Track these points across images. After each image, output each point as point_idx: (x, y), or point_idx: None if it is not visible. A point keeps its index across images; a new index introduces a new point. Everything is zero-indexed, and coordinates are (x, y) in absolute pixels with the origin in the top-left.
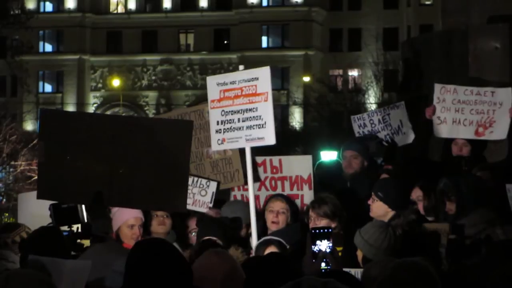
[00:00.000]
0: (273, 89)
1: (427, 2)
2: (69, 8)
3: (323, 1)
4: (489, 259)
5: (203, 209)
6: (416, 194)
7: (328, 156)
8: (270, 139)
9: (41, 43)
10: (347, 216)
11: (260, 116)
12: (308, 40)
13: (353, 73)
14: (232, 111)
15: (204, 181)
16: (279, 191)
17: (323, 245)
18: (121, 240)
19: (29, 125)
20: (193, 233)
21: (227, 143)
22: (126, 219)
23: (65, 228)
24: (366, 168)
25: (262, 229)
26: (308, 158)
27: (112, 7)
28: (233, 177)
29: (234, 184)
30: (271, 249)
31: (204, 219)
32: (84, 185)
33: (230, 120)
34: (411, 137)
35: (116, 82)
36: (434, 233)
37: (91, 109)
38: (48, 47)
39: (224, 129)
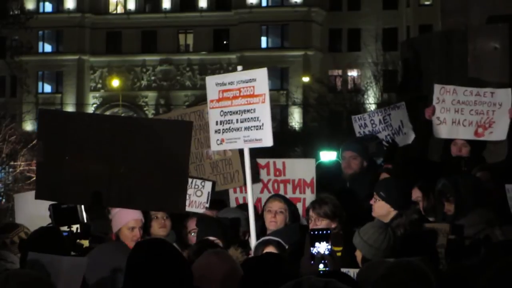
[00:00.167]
0: (272, 90)
1: (427, 3)
2: (68, 9)
3: (322, 2)
4: (488, 260)
5: (200, 210)
6: (416, 194)
7: (328, 156)
8: (267, 140)
9: (40, 44)
10: (347, 216)
11: (257, 118)
12: (308, 40)
13: (353, 73)
14: (230, 111)
15: (199, 181)
16: (281, 194)
17: (322, 247)
18: (119, 237)
19: (29, 126)
20: (193, 234)
21: (226, 144)
22: (126, 221)
23: (65, 228)
24: (365, 169)
25: (261, 230)
26: (311, 162)
27: (111, 8)
28: (233, 178)
29: (234, 185)
30: (269, 249)
31: (204, 219)
32: (83, 186)
33: (229, 120)
34: (411, 137)
35: (115, 83)
36: (433, 233)
37: (90, 110)
38: (48, 48)
39: (223, 129)
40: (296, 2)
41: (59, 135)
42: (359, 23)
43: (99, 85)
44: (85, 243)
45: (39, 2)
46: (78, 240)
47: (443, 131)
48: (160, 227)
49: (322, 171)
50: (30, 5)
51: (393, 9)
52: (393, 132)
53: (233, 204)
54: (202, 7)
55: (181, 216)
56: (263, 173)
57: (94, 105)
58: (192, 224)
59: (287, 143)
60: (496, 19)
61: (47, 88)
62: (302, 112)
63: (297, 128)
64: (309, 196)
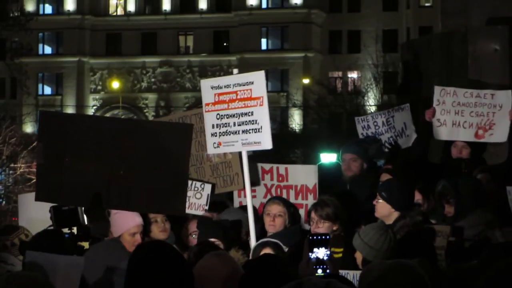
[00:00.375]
0: (272, 91)
1: (427, 4)
2: (68, 10)
3: (322, 3)
4: (487, 261)
5: (199, 212)
6: (416, 197)
7: (328, 158)
8: (266, 143)
9: (40, 45)
10: (347, 218)
11: (256, 121)
12: (308, 42)
13: (353, 75)
14: (227, 114)
15: (198, 183)
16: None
17: (321, 252)
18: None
19: (29, 128)
20: (194, 236)
21: (223, 147)
22: (128, 228)
23: (66, 230)
24: (365, 171)
25: (262, 232)
26: (314, 168)
27: (111, 9)
28: (233, 181)
29: (234, 188)
30: (266, 251)
31: (205, 222)
32: (83, 187)
33: (226, 123)
34: (414, 139)
35: (115, 84)
36: (431, 234)
37: (90, 111)
38: (48, 49)
39: (220, 132)
40: (296, 3)
41: (59, 137)
42: (359, 25)
43: (99, 87)
44: (86, 245)
45: (39, 4)
46: (78, 242)
47: (443, 133)
48: (160, 231)
49: (322, 173)
50: (30, 7)
51: (393, 11)
52: (395, 134)
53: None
54: (202, 9)
55: (180, 218)
56: (267, 178)
57: (94, 107)
58: (193, 226)
59: (287, 145)
60: (496, 21)
61: (47, 90)
62: (302, 114)
63: (297, 130)
64: (311, 202)
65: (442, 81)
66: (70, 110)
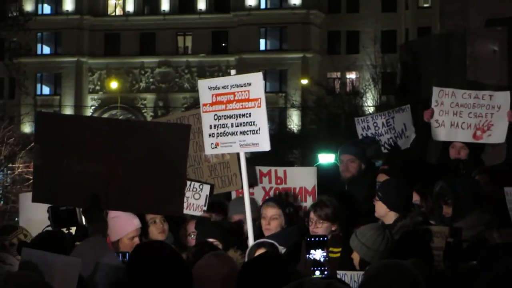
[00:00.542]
0: (271, 92)
1: (425, 5)
2: (67, 10)
3: (321, 4)
4: (486, 263)
5: (197, 213)
6: (414, 198)
7: (326, 158)
8: (264, 145)
9: (39, 45)
10: (346, 219)
11: (253, 122)
12: (306, 42)
13: (351, 75)
14: (225, 115)
15: (197, 184)
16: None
17: (318, 254)
18: (118, 246)
19: (27, 128)
20: (192, 236)
21: (221, 147)
22: (127, 232)
23: (64, 230)
24: (363, 171)
25: (260, 232)
26: (312, 170)
27: (110, 10)
28: (231, 181)
29: (232, 188)
30: (261, 251)
31: (203, 222)
32: (80, 188)
33: (224, 124)
34: (413, 140)
35: (114, 85)
36: (428, 235)
37: (89, 111)
38: (46, 49)
39: (218, 133)
40: (294, 4)
41: (56, 138)
42: (357, 26)
43: (98, 87)
44: None
45: (37, 4)
46: (77, 242)
47: (441, 134)
48: (159, 232)
49: (321, 174)
50: (28, 7)
51: (392, 12)
52: (395, 136)
53: None
54: (201, 9)
55: (177, 218)
56: (265, 181)
57: (93, 107)
58: (191, 227)
59: (285, 145)
60: (494, 22)
61: (46, 90)
62: (300, 114)
63: (295, 131)
64: (311, 204)
65: (440, 82)
66: (68, 110)
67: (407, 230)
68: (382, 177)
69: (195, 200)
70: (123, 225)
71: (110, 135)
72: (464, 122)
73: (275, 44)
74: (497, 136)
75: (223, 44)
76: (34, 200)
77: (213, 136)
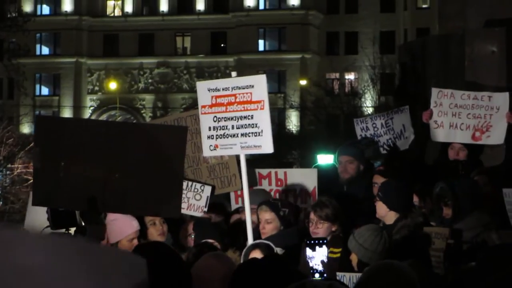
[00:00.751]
0: (269, 93)
1: (424, 6)
2: (66, 11)
3: (319, 5)
4: (484, 265)
5: (198, 214)
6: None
7: (325, 159)
8: (267, 147)
9: (38, 46)
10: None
11: (256, 124)
12: (305, 43)
13: (350, 76)
14: (225, 117)
15: (198, 185)
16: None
17: (318, 257)
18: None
19: (26, 128)
20: (192, 236)
21: (220, 149)
22: (126, 234)
23: (63, 231)
24: (362, 172)
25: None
26: (313, 172)
27: (109, 10)
28: (230, 182)
29: (231, 189)
30: (255, 252)
31: (202, 223)
32: (79, 191)
33: (224, 126)
34: (411, 141)
35: (112, 85)
36: (426, 237)
37: (87, 112)
38: (45, 50)
39: (217, 135)
40: (293, 5)
41: (55, 141)
42: (356, 26)
43: (96, 88)
44: None
45: (36, 5)
46: None
47: (440, 135)
48: (158, 234)
49: (320, 175)
50: (27, 8)
51: (391, 12)
52: (394, 136)
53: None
54: (199, 10)
55: (177, 219)
56: (264, 183)
57: (91, 108)
58: (191, 228)
59: (284, 146)
60: (493, 23)
61: (45, 90)
62: (299, 115)
63: (294, 131)
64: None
65: (439, 83)
66: (67, 110)
67: (407, 231)
68: (378, 178)
69: (196, 201)
70: (122, 227)
71: (107, 137)
72: (463, 123)
73: (274, 45)
74: (496, 137)
75: (222, 45)
76: (34, 203)
77: (212, 138)
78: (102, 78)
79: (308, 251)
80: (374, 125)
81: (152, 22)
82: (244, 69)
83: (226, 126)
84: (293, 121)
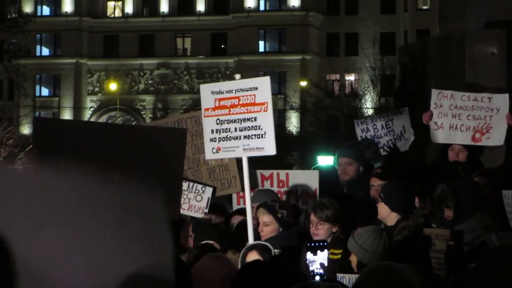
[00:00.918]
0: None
1: (424, 7)
2: (66, 12)
3: (320, 6)
4: (484, 267)
5: (198, 215)
6: None
7: (325, 160)
8: (270, 149)
9: (38, 47)
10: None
11: (259, 126)
12: (305, 44)
13: (350, 77)
14: (228, 120)
15: (199, 186)
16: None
17: (318, 260)
18: None
19: (26, 129)
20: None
21: (222, 152)
22: None
23: None
24: (362, 174)
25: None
26: (314, 173)
27: (109, 11)
28: (230, 184)
29: (231, 191)
30: (252, 254)
31: (201, 224)
32: None
33: (226, 129)
34: (411, 142)
35: (113, 86)
36: (429, 240)
37: (88, 113)
38: (45, 51)
39: (220, 138)
40: (293, 6)
41: (54, 143)
42: (356, 28)
43: (97, 89)
44: None
45: (37, 6)
46: None
47: (440, 136)
48: None
49: (319, 177)
50: (28, 9)
51: (391, 14)
52: (394, 138)
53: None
54: (199, 11)
55: (177, 220)
56: (266, 185)
57: (92, 109)
58: (192, 229)
59: (284, 147)
60: (494, 25)
61: (45, 91)
62: (299, 116)
63: (294, 133)
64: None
65: (439, 84)
66: (67, 111)
67: (408, 232)
68: (374, 181)
69: (197, 202)
70: None
71: (106, 139)
72: (463, 125)
73: (274, 46)
74: (496, 138)
75: (222, 46)
76: None
77: (215, 141)
78: (102, 79)
79: (309, 255)
80: (374, 127)
81: (153, 23)
82: (244, 70)
83: (229, 129)
84: (293, 122)
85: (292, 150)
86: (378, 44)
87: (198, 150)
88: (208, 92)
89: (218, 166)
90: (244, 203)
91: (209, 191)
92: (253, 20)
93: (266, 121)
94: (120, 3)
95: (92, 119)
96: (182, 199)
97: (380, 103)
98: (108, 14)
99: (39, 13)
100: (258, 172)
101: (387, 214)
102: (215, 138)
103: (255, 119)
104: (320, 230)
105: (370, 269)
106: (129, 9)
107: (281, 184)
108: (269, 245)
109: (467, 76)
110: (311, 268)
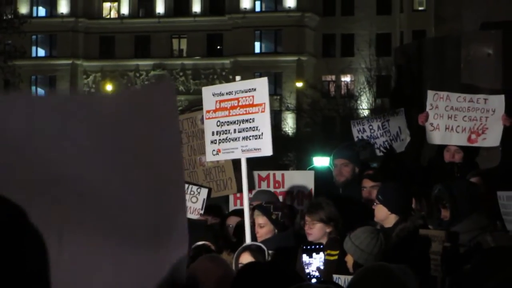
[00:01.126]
0: None
1: (420, 8)
2: (62, 13)
3: (316, 7)
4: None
5: (194, 216)
6: None
7: (321, 161)
8: (267, 150)
9: (34, 48)
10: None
11: (257, 127)
12: (301, 45)
13: (346, 78)
14: (228, 121)
15: (195, 187)
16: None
17: (314, 262)
18: None
19: None
20: None
21: (222, 154)
22: None
23: None
24: (357, 175)
25: None
26: (310, 174)
27: (105, 12)
28: (226, 185)
29: (227, 192)
30: (245, 255)
31: (195, 225)
32: None
33: (226, 130)
34: (407, 143)
35: (109, 87)
36: (425, 240)
37: None
38: (41, 52)
39: (220, 139)
40: (289, 7)
41: None
42: (352, 28)
43: (93, 90)
44: None
45: (32, 7)
46: None
47: (436, 137)
48: None
49: (315, 177)
50: (23, 10)
51: (387, 15)
52: (391, 138)
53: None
54: (195, 12)
55: None
56: (263, 185)
57: None
58: None
59: (280, 148)
60: (489, 26)
61: (41, 92)
62: (295, 117)
63: (290, 134)
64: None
65: (435, 85)
66: None
67: (406, 233)
68: (366, 182)
69: (193, 204)
70: None
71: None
72: (459, 126)
73: (270, 47)
74: (492, 139)
75: (218, 47)
76: None
77: (215, 143)
78: (98, 80)
79: (305, 257)
80: (370, 127)
81: (148, 24)
82: (240, 72)
83: (229, 130)
84: (289, 123)
85: (288, 151)
86: (374, 45)
87: (194, 151)
88: (209, 95)
89: (214, 168)
90: (241, 204)
91: (204, 192)
92: (249, 21)
93: (264, 122)
94: (116, 4)
95: None
96: None
97: (376, 104)
98: (104, 15)
99: (34, 14)
100: (255, 173)
101: (385, 216)
102: (216, 140)
103: (253, 120)
104: (313, 230)
105: (364, 270)
106: (125, 10)
107: (277, 185)
108: (263, 246)
109: (463, 77)
110: (307, 271)
